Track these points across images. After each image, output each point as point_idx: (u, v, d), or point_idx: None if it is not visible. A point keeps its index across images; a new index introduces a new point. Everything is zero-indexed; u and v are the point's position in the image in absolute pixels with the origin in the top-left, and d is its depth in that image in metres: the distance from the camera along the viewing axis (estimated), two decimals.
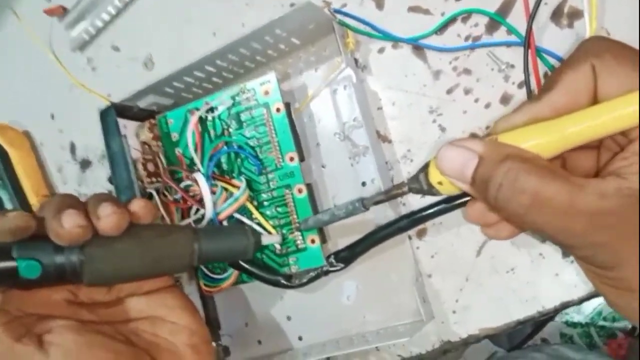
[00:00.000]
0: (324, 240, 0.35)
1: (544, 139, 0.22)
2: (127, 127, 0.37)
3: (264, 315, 0.39)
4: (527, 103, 0.24)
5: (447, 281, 0.34)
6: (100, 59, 0.47)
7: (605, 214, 0.20)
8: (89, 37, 0.46)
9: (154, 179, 0.37)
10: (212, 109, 0.35)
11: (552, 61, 0.31)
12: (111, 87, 0.44)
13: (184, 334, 0.30)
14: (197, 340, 0.30)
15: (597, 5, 0.28)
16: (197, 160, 0.35)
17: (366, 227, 0.32)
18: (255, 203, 0.35)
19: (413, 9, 0.34)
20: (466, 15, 0.33)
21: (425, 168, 0.26)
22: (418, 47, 0.34)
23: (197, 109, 0.36)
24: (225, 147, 0.35)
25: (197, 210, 0.35)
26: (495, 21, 0.32)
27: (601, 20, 0.29)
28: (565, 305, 0.31)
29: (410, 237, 0.35)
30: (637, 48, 0.23)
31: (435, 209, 0.28)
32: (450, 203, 0.28)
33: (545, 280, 0.32)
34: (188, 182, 0.35)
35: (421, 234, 0.35)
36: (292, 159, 0.34)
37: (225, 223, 0.35)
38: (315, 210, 0.34)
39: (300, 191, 0.34)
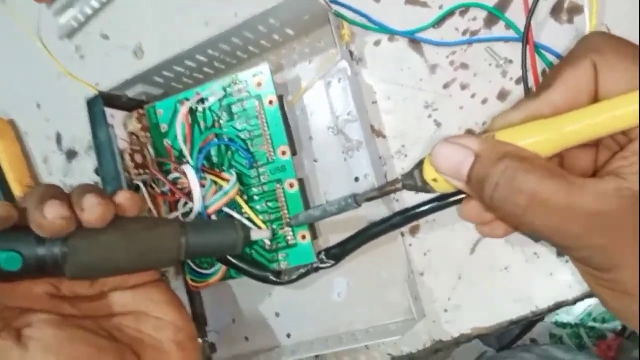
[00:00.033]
0: (315, 236, 0.34)
1: (542, 137, 0.22)
2: (115, 117, 0.36)
3: (252, 311, 0.39)
4: (526, 100, 0.24)
5: (439, 279, 0.34)
6: (89, 47, 0.46)
7: (603, 216, 0.20)
8: (77, 25, 0.45)
9: (141, 171, 0.36)
10: (202, 100, 0.35)
11: (551, 58, 0.31)
12: (100, 76, 0.43)
13: (170, 330, 0.29)
14: (183, 336, 0.30)
15: (598, 1, 0.28)
16: (186, 152, 0.35)
17: (358, 224, 0.32)
18: (246, 197, 0.34)
19: (410, 2, 0.34)
20: (464, 9, 0.32)
21: (420, 165, 0.26)
22: (415, 40, 0.34)
23: (188, 100, 0.35)
24: (215, 140, 0.35)
25: (186, 203, 0.35)
26: (494, 16, 0.32)
27: (602, 16, 0.29)
28: (560, 306, 0.31)
29: (403, 234, 0.34)
30: (638, 44, 0.22)
31: (430, 206, 0.28)
32: (445, 201, 0.27)
33: (539, 280, 0.31)
34: (177, 175, 0.35)
35: (414, 231, 0.34)
36: (284, 152, 0.33)
37: (214, 217, 0.34)
38: (307, 206, 0.34)
39: (291, 186, 0.33)
